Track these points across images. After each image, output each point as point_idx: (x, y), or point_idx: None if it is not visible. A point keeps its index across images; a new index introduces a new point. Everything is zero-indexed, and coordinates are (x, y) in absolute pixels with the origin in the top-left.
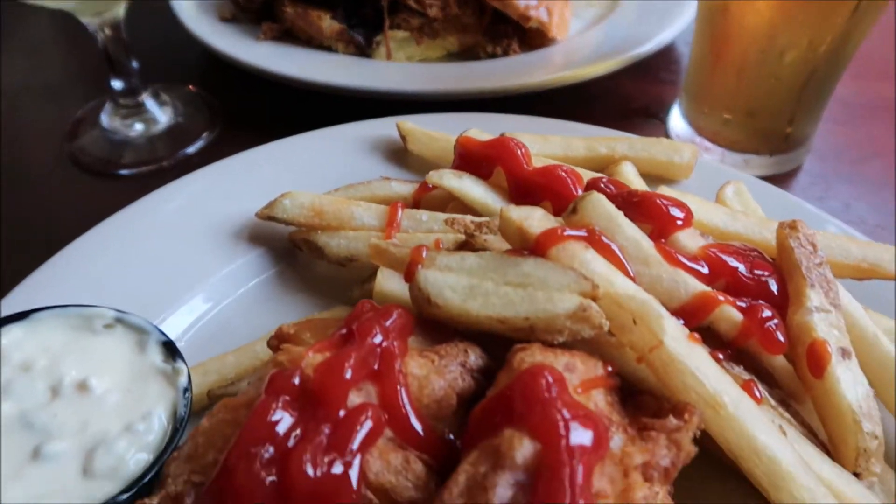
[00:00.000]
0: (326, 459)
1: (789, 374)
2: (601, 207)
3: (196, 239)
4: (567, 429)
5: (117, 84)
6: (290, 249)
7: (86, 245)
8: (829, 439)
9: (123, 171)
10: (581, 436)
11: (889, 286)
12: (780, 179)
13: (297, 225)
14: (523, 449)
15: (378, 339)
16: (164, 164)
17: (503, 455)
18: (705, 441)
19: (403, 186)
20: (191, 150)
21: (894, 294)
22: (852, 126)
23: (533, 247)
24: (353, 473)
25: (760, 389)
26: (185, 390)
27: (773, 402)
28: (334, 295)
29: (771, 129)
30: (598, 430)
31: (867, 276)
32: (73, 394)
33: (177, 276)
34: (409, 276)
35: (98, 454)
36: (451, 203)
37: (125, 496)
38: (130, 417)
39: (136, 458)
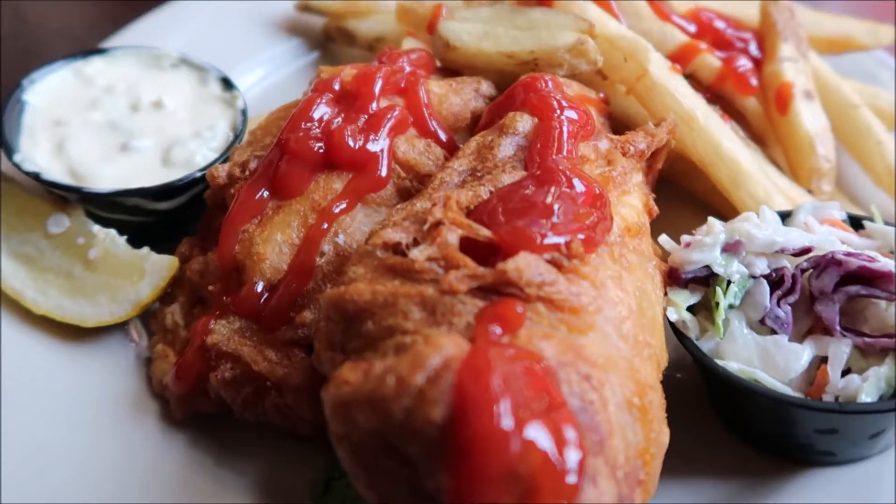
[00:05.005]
0: (363, 137)
1: (759, 115)
2: None
3: (239, 29)
4: (560, 107)
5: None
6: (323, 42)
7: (135, 30)
8: (788, 166)
9: None
10: (571, 113)
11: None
12: None
13: (330, 14)
14: (523, 121)
15: (404, 64)
16: None
17: (507, 126)
18: (683, 180)
19: None
20: None
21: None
22: None
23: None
24: (384, 150)
25: (732, 125)
26: (242, 111)
27: (742, 134)
28: None
29: None
30: (587, 115)
31: (841, 49)
32: (150, 109)
33: (221, 61)
34: (431, 28)
35: (174, 150)
36: None
37: (200, 174)
38: (198, 127)
39: (204, 154)
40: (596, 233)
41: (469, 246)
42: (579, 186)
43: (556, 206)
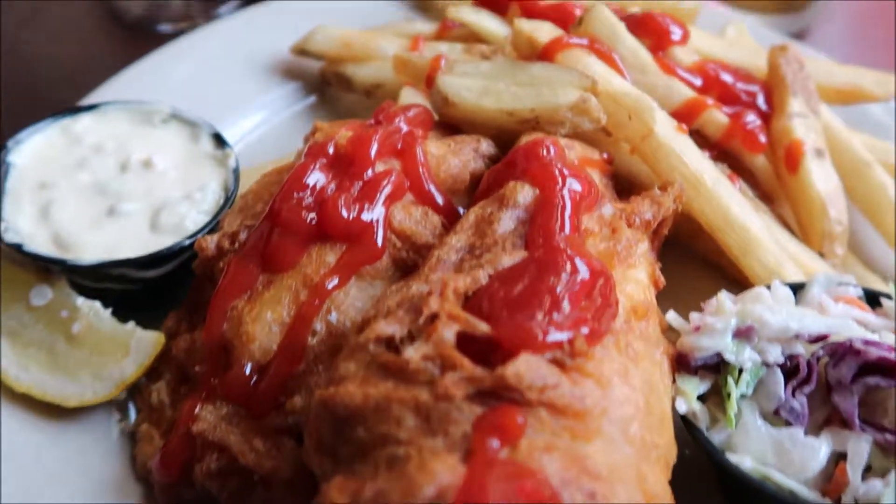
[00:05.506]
0: (357, 206)
1: (768, 173)
2: (605, 20)
3: (236, 72)
4: (563, 178)
5: None
6: (320, 85)
7: (131, 74)
8: (799, 228)
9: (162, 28)
10: (574, 184)
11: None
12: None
13: (327, 58)
14: (524, 193)
15: (401, 124)
16: (198, 22)
17: (507, 198)
18: (690, 241)
19: (426, 25)
20: (223, 10)
21: None
22: None
23: (541, 54)
24: (380, 219)
25: (741, 184)
26: (234, 170)
27: (751, 194)
28: None
29: None
30: (590, 184)
31: (851, 100)
32: (139, 169)
33: (218, 105)
34: (430, 82)
35: (163, 214)
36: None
37: (189, 242)
38: (189, 188)
39: (194, 218)
40: (601, 323)
41: (467, 339)
42: (583, 271)
43: (558, 295)
